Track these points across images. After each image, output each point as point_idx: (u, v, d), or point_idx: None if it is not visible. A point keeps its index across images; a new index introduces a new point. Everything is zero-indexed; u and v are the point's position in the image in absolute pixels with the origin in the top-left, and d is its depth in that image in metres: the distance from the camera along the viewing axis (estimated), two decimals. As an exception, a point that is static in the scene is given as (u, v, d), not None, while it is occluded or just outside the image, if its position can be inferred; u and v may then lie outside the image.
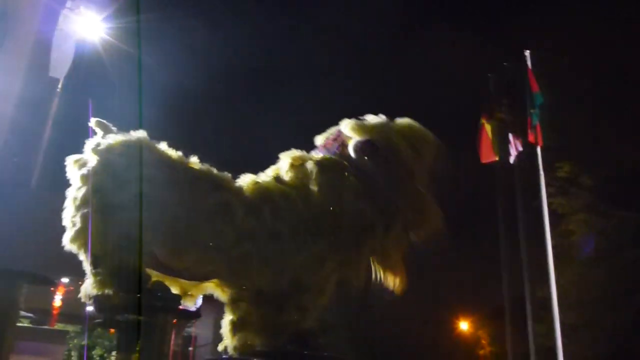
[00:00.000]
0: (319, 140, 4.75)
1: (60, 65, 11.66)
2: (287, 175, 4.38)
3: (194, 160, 4.25)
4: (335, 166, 4.34)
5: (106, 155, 3.81)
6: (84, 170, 3.77)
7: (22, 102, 11.13)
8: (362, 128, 4.49)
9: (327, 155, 4.47)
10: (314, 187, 4.25)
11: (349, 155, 4.44)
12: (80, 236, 3.60)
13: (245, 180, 4.30)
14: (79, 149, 4.74)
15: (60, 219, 4.70)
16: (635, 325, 16.03)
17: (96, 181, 3.67)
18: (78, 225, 3.61)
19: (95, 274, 3.55)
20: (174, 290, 4.19)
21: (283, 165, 4.44)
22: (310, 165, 4.37)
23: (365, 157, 4.39)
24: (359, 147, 4.40)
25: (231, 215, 4.03)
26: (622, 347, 16.20)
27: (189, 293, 4.32)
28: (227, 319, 4.29)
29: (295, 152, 4.56)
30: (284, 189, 4.22)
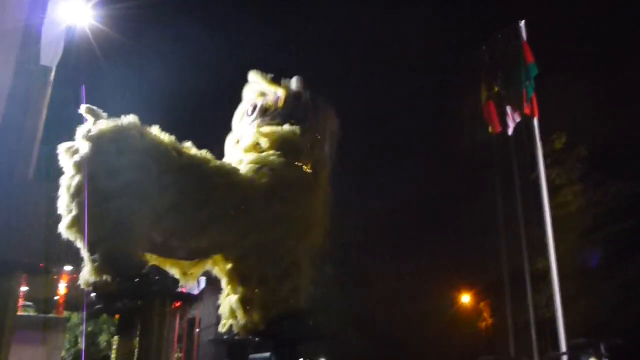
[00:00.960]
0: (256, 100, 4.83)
1: (50, 54, 11.56)
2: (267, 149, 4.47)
3: (187, 145, 4.26)
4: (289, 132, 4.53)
5: (97, 141, 3.79)
6: (77, 158, 3.74)
7: (14, 95, 11.06)
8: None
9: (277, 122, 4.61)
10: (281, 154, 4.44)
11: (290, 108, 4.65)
12: (76, 223, 3.60)
13: (244, 168, 4.31)
14: (73, 138, 4.73)
15: (55, 208, 4.71)
16: (630, 293, 16.20)
17: (89, 169, 3.66)
18: (74, 212, 3.61)
19: (92, 261, 3.56)
20: (174, 271, 4.24)
21: (262, 141, 4.50)
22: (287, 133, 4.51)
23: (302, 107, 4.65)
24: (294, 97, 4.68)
25: (249, 207, 4.12)
26: (618, 314, 16.37)
27: (189, 272, 4.37)
28: (229, 298, 4.32)
29: (268, 128, 4.61)
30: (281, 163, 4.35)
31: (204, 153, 4.38)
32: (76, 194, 3.61)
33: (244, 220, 4.05)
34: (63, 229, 3.67)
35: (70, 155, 3.85)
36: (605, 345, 5.46)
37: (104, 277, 3.50)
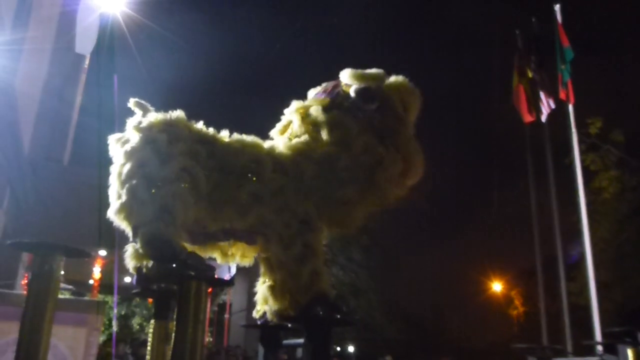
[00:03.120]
0: (314, 92, 4.75)
1: (85, 41, 11.74)
2: (299, 130, 4.41)
3: (224, 134, 4.34)
4: (338, 104, 4.43)
5: (148, 132, 3.93)
6: (127, 147, 3.87)
7: (50, 82, 11.27)
8: (361, 76, 4.59)
9: (328, 98, 4.53)
10: (323, 129, 4.33)
11: (348, 98, 4.52)
12: (124, 209, 3.72)
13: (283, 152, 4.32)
14: (109, 126, 4.83)
15: (92, 192, 4.84)
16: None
17: (140, 157, 3.78)
18: (122, 198, 3.72)
19: (133, 245, 3.68)
20: (216, 254, 4.32)
21: (294, 121, 4.47)
22: (314, 110, 4.42)
23: (363, 102, 4.51)
24: (357, 92, 4.51)
25: (260, 171, 4.14)
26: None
27: (230, 253, 4.46)
28: (264, 283, 4.37)
29: (298, 104, 4.57)
30: (306, 145, 4.29)
31: (244, 136, 4.42)
32: (126, 181, 3.71)
33: (273, 204, 4.10)
34: (112, 213, 3.78)
35: (121, 145, 3.98)
36: (643, 333, 5.33)
37: (144, 261, 3.59)
